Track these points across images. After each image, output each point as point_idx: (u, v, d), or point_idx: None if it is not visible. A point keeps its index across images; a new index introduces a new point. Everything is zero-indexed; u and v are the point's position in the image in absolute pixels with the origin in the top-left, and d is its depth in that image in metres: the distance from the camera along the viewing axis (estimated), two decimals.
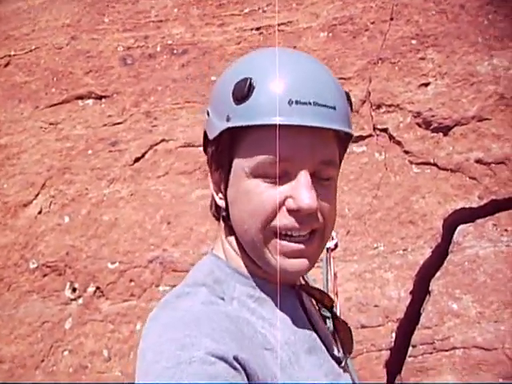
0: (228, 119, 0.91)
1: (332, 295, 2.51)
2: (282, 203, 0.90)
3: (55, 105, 3.15)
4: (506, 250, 2.57)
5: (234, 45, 3.09)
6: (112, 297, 2.84)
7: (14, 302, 2.92)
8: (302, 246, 0.92)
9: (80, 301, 2.87)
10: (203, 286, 0.94)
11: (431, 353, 2.53)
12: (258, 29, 3.10)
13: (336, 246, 2.65)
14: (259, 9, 3.12)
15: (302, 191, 0.88)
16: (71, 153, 3.07)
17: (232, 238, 0.99)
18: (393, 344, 2.60)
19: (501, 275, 2.55)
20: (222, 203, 0.99)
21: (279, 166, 0.88)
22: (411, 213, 2.73)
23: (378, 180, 2.80)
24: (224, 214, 1.00)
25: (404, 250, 2.68)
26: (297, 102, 0.87)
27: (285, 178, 0.90)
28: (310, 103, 0.87)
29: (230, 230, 0.99)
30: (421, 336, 2.57)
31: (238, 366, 0.78)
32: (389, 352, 2.60)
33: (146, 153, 3.02)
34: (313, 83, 0.90)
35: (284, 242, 0.91)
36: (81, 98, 3.14)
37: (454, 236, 2.67)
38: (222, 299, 0.93)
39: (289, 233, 0.91)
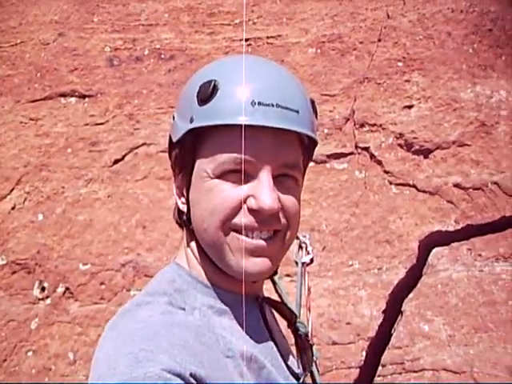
0: (191, 120, 0.91)
1: (304, 310, 2.51)
2: (244, 202, 0.90)
3: (37, 100, 3.10)
4: (478, 275, 2.60)
5: (222, 54, 3.09)
6: (81, 299, 2.78)
7: None
8: (263, 243, 0.91)
9: (48, 301, 2.80)
10: (164, 296, 0.92)
11: (400, 373, 2.53)
12: (246, 40, 3.11)
13: (312, 260, 2.64)
14: (249, 20, 3.14)
15: (263, 191, 0.88)
16: (50, 150, 3.01)
17: (194, 245, 0.99)
18: (363, 362, 2.59)
19: (472, 299, 2.57)
20: (183, 207, 0.99)
21: (242, 165, 0.88)
22: (388, 232, 2.74)
23: (357, 198, 2.81)
24: (185, 218, 0.99)
25: (379, 268, 2.69)
26: (260, 104, 0.88)
27: (247, 178, 0.90)
28: (272, 105, 0.88)
29: (192, 236, 0.98)
30: (391, 356, 2.57)
31: (194, 382, 0.76)
32: (358, 370, 2.59)
33: (125, 155, 2.99)
34: (277, 86, 0.91)
35: (245, 238, 0.90)
36: (64, 95, 3.10)
37: (429, 258, 2.69)
38: (183, 309, 0.91)
39: (249, 234, 0.91)
